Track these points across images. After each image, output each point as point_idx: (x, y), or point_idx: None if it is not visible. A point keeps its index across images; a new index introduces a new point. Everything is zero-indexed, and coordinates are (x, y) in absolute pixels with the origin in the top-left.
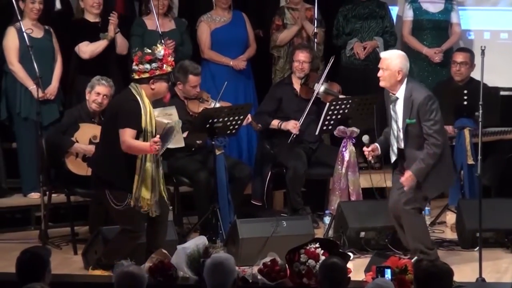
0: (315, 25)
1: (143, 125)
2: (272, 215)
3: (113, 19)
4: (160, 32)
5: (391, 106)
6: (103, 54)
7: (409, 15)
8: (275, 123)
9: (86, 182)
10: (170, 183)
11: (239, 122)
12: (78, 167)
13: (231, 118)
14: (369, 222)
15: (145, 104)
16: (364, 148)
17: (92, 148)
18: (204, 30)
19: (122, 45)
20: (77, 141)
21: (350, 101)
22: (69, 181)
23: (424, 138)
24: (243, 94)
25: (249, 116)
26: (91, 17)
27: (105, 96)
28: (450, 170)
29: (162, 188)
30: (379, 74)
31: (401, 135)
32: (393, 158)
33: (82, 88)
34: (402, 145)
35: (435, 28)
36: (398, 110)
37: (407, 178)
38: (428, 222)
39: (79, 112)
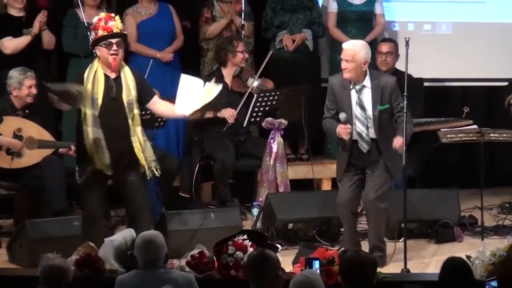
0: (242, 18)
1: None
2: (200, 207)
3: (42, 16)
4: (86, 24)
5: (355, 95)
6: (29, 49)
7: (333, 7)
8: (209, 113)
9: (10, 175)
10: None
11: None
12: (1, 161)
13: None
14: (297, 213)
15: (95, 72)
16: (342, 126)
17: (16, 141)
18: (130, 23)
19: (49, 40)
20: (0, 134)
21: (278, 92)
22: None
23: (391, 123)
24: (170, 86)
25: None
26: (14, 12)
27: (35, 86)
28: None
29: (141, 157)
30: (343, 66)
31: (371, 123)
32: (366, 147)
33: (5, 82)
34: (373, 134)
35: (360, 19)
36: (366, 98)
37: (400, 142)
38: None
39: (1, 105)
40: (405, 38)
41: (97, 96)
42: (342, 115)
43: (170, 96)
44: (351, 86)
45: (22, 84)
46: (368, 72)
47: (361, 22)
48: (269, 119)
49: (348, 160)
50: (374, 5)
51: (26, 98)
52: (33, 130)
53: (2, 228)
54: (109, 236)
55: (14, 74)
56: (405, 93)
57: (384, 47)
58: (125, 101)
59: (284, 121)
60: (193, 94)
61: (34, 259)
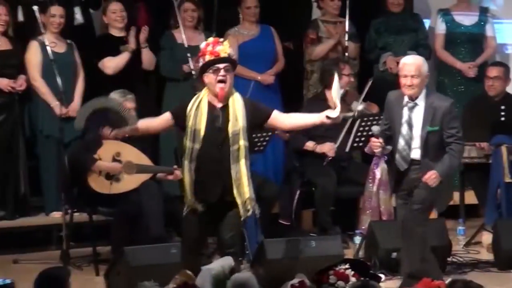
0: (346, 39)
1: (188, 123)
2: (301, 235)
3: (133, 31)
4: (186, 46)
5: (406, 112)
6: (128, 70)
7: (441, 28)
8: (310, 145)
9: (109, 200)
10: None
11: (267, 139)
12: (101, 185)
13: (258, 134)
14: (401, 242)
15: (199, 103)
16: (373, 139)
17: (115, 165)
18: (232, 44)
19: (148, 59)
20: (100, 159)
21: (382, 116)
22: (91, 199)
23: (440, 148)
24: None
25: None
26: (115, 32)
27: (134, 110)
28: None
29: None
30: (409, 82)
31: (417, 144)
32: (404, 166)
33: None
34: (416, 155)
35: (469, 41)
36: (416, 117)
37: (432, 176)
38: (462, 243)
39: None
40: None
41: (199, 127)
42: (375, 128)
43: None
44: (404, 103)
45: None
46: (424, 90)
47: (470, 44)
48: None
49: (395, 177)
50: (485, 26)
51: None
52: (132, 154)
53: (100, 255)
54: (207, 264)
55: (115, 96)
56: None
57: (492, 72)
58: (230, 131)
59: (389, 147)
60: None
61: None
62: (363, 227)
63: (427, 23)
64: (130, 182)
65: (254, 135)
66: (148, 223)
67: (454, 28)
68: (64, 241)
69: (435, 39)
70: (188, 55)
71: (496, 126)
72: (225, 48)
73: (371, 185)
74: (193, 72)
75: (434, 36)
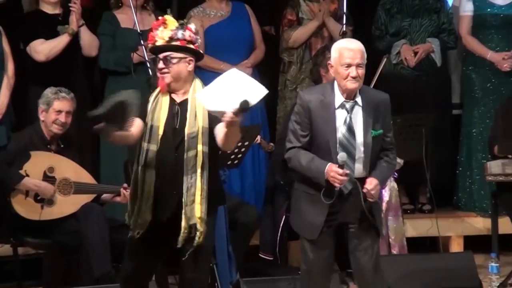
0: (344, 22)
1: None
2: (288, 273)
3: (75, 7)
4: (139, 31)
5: (343, 115)
6: (65, 57)
7: (467, 8)
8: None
9: (39, 229)
10: None
11: (243, 150)
12: (28, 210)
13: None
14: (417, 283)
15: (161, 96)
16: (337, 170)
17: (46, 185)
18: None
19: (90, 43)
20: (27, 175)
21: (391, 122)
22: (16, 227)
23: (376, 158)
24: (248, 112)
25: (258, 136)
26: (48, 8)
27: (68, 114)
28: None
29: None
30: (354, 73)
31: (360, 154)
32: (348, 187)
33: (37, 104)
34: (360, 170)
35: (504, 25)
36: (357, 120)
37: (375, 185)
38: (496, 284)
39: (30, 136)
40: None
41: (158, 124)
42: (342, 155)
43: (247, 125)
44: (336, 104)
45: (50, 106)
46: None
47: (505, 28)
48: None
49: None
50: None
51: (52, 126)
52: (69, 169)
53: None
54: None
55: (47, 92)
56: None
57: None
58: (186, 133)
59: (399, 160)
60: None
61: None
62: None
63: (450, 2)
64: (66, 205)
65: None
66: (90, 257)
67: (484, 9)
68: None
69: (459, 23)
70: (142, 41)
71: None
72: (164, 32)
73: None
74: (147, 63)
75: (458, 19)
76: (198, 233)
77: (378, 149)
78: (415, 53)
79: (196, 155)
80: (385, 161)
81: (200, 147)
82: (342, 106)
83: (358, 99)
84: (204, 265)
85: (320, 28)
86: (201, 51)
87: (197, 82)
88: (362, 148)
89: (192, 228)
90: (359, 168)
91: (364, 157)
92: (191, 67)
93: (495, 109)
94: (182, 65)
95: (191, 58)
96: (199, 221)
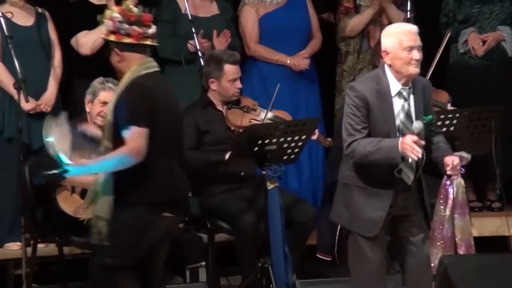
0: (409, 9)
1: None
2: (346, 275)
3: None
4: (190, 17)
5: (400, 102)
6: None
7: None
8: None
9: (85, 227)
10: (203, 229)
11: (300, 144)
12: (74, 207)
13: (289, 139)
14: (485, 284)
15: None
16: (414, 139)
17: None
18: (250, 16)
19: None
20: None
21: (458, 115)
22: (62, 226)
23: None
24: (304, 105)
25: (316, 131)
26: None
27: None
28: None
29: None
30: (417, 56)
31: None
32: (411, 177)
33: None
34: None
35: None
36: (411, 107)
37: (456, 162)
38: None
39: (74, 129)
40: None
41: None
42: (417, 124)
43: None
44: (393, 92)
45: (96, 97)
46: None
47: None
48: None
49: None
50: None
51: (96, 118)
52: None
53: None
54: None
55: (94, 82)
56: None
57: None
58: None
59: (467, 155)
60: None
61: None
62: (432, 264)
63: None
64: None
65: (283, 139)
66: None
67: None
68: (24, 282)
69: None
70: (193, 29)
71: None
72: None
73: (442, 207)
74: (200, 53)
75: None
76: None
77: (427, 136)
78: (484, 42)
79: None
80: (443, 142)
81: (105, 143)
82: (399, 94)
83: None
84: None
85: (379, 15)
86: (123, 40)
87: (129, 74)
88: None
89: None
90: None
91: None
92: (117, 57)
93: None
94: (114, 57)
95: (114, 49)
96: (97, 220)
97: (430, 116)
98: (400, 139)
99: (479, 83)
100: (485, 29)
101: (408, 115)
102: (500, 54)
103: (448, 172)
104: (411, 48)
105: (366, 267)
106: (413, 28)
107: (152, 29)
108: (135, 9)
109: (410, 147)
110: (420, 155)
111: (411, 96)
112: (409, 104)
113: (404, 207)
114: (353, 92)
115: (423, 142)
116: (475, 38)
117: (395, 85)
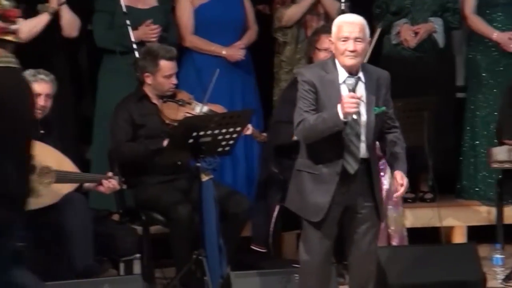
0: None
1: None
2: (281, 266)
3: None
4: (124, 10)
5: (347, 91)
6: (44, 38)
7: None
8: None
9: None
10: (138, 221)
11: (234, 135)
12: None
13: (224, 131)
14: (417, 276)
15: None
16: (349, 94)
17: None
18: (186, 7)
19: (70, 23)
20: None
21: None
22: None
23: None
24: (240, 96)
25: (249, 125)
26: None
27: (47, 97)
28: None
29: None
30: (352, 47)
31: (363, 133)
32: (354, 166)
33: None
34: (364, 150)
35: (511, 3)
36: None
37: (404, 179)
38: (501, 276)
39: None
40: None
41: None
42: (350, 80)
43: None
44: (340, 80)
45: None
46: None
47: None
48: (377, 144)
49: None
50: None
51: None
52: (50, 157)
53: None
54: None
55: (25, 75)
56: None
57: None
58: None
59: None
60: None
61: None
62: None
63: None
64: (47, 195)
65: (218, 131)
66: (72, 250)
67: None
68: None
69: (463, 1)
70: (128, 22)
71: None
72: None
73: None
74: (135, 46)
75: None
76: None
77: (380, 127)
78: (416, 33)
79: None
80: (399, 145)
81: None
82: (344, 82)
83: (361, 75)
84: None
85: (315, 5)
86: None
87: None
88: (365, 127)
89: None
90: (363, 147)
91: (367, 136)
92: None
93: (502, 92)
94: None
95: None
96: None
97: (382, 108)
98: (339, 105)
99: (412, 74)
100: (418, 20)
101: None
102: (431, 46)
103: (398, 188)
104: (346, 39)
105: (309, 257)
106: (354, 19)
107: (16, 26)
108: (5, 3)
109: (348, 102)
110: (358, 106)
111: (361, 85)
112: (355, 93)
113: (352, 197)
114: (301, 76)
115: (358, 95)
116: (407, 30)
117: (342, 73)
